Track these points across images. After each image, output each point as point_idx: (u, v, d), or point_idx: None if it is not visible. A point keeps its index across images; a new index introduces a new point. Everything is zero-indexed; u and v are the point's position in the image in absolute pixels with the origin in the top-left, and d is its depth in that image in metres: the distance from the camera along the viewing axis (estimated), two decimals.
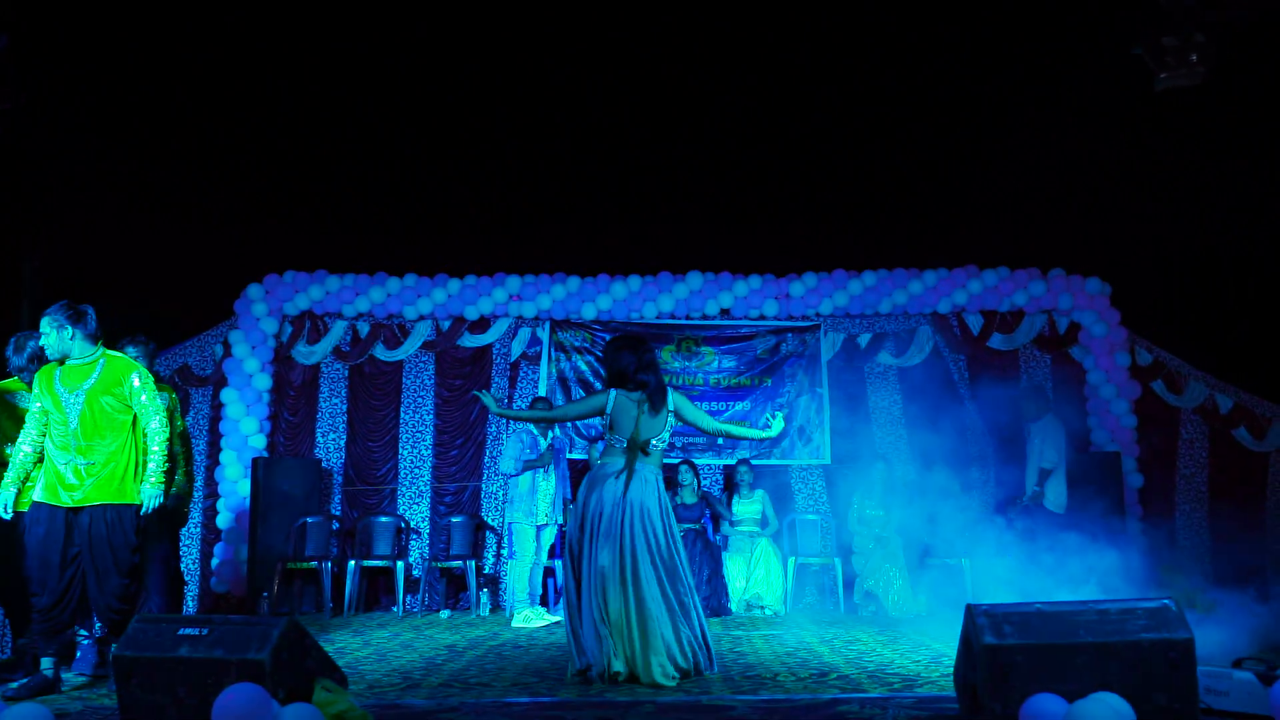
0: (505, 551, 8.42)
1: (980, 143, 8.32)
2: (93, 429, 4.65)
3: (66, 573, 4.56)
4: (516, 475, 7.53)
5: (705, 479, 9.08)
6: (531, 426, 7.60)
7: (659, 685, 4.42)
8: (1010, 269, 9.12)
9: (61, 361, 4.73)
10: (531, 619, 7.42)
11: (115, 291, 4.81)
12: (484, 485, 9.13)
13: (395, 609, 8.50)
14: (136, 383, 4.73)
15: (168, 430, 4.84)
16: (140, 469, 4.76)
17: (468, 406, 9.23)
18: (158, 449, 4.74)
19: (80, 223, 8.07)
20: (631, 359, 4.76)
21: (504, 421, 8.92)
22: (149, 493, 4.71)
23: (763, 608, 8.04)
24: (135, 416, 4.79)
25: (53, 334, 4.66)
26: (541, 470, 7.56)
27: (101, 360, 4.74)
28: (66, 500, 4.64)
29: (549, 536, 7.71)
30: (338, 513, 9.04)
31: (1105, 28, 6.56)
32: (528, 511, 7.56)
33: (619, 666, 4.51)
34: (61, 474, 4.63)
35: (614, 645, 4.49)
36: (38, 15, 6.36)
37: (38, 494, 4.69)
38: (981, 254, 9.11)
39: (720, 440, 9.05)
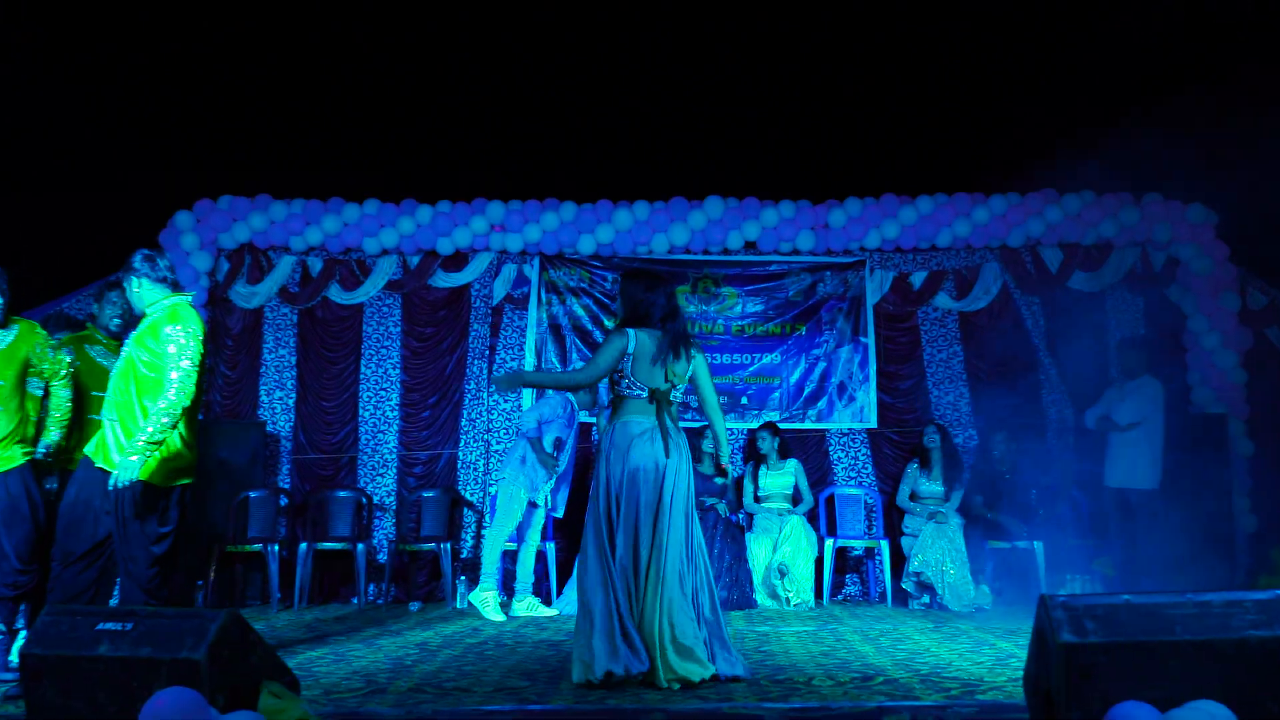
0: (487, 520, 8.59)
1: (1057, 43, 8.26)
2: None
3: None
4: (538, 438, 7.60)
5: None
6: (569, 395, 7.74)
7: (690, 683, 4.53)
8: (1096, 194, 9.02)
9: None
10: (531, 609, 7.60)
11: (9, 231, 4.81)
12: (461, 453, 9.13)
13: (356, 600, 8.53)
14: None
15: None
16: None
17: (441, 359, 9.25)
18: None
19: None
20: (659, 294, 4.91)
21: (486, 378, 9.09)
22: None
23: (787, 599, 8.02)
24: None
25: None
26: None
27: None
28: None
29: (540, 518, 7.85)
30: (286, 485, 9.04)
31: None
32: (529, 479, 7.62)
33: (650, 667, 4.60)
34: None
35: (645, 640, 4.62)
36: None
37: None
38: (1061, 176, 8.99)
39: (744, 400, 9.15)
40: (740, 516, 8.56)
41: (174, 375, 4.78)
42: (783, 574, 8.06)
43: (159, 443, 4.76)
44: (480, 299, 9.29)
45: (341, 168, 9.24)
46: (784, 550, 8.14)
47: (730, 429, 9.10)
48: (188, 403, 4.81)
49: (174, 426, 4.81)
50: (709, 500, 8.22)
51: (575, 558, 7.67)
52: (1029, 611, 4.93)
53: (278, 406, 9.22)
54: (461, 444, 9.14)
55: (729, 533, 8.17)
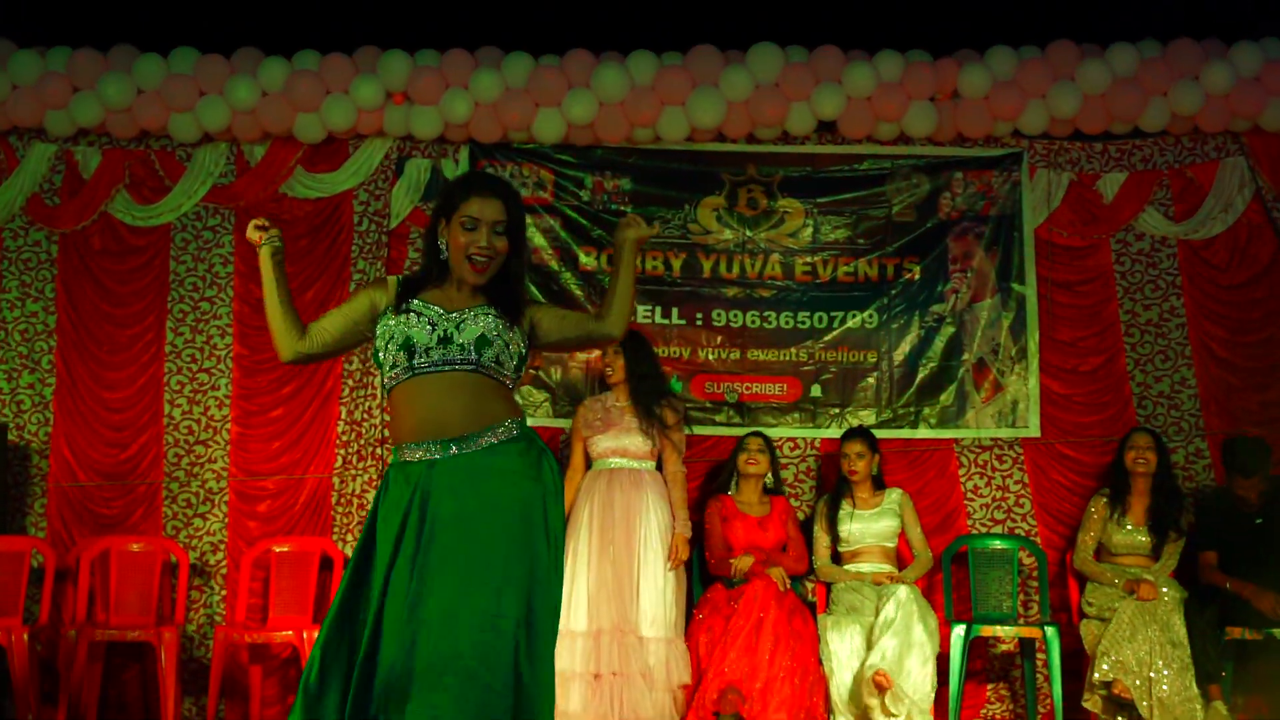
0: None
1: None
2: None
3: None
4: None
5: (786, 467, 8.97)
6: None
7: None
8: None
9: None
10: None
11: None
12: (337, 479, 9.05)
13: None
14: None
15: None
16: None
17: (304, 314, 8.70)
18: None
19: None
20: None
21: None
22: None
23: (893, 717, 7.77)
24: None
25: None
26: None
27: None
28: None
29: None
30: (42, 533, 8.94)
31: None
32: None
33: None
34: None
35: None
36: None
37: None
38: None
39: (815, 390, 9.03)
40: (808, 585, 8.55)
41: None
42: (882, 688, 7.71)
43: None
44: (369, 217, 9.18)
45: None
46: (885, 646, 7.76)
47: (792, 438, 9.05)
48: None
49: None
50: (744, 569, 8.01)
51: None
52: None
53: (26, 400, 9.09)
54: (339, 463, 9.01)
55: (792, 619, 7.93)
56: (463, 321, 4.59)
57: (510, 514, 4.47)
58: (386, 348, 4.54)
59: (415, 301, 4.64)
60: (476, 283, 4.59)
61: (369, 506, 8.37)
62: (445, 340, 4.52)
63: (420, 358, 4.47)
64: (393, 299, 4.68)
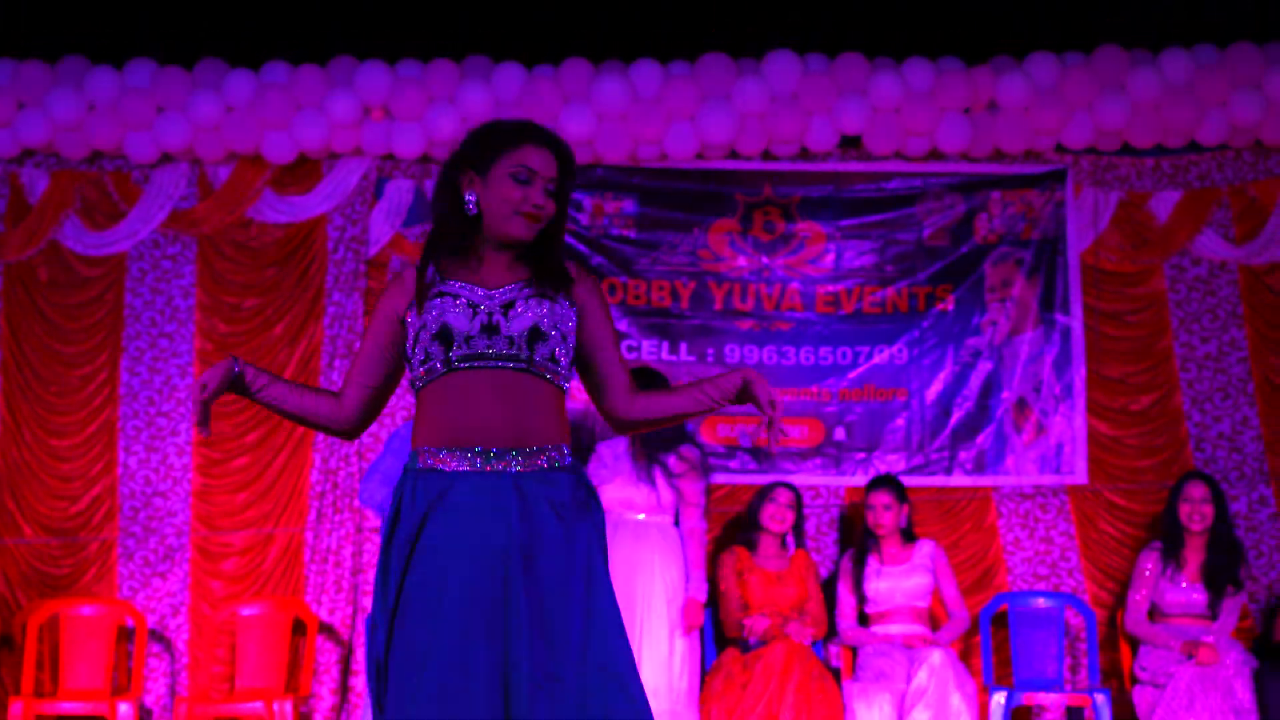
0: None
1: None
2: None
3: None
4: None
5: (808, 518, 8.80)
6: None
7: None
8: None
9: None
10: None
11: None
12: (311, 534, 9.00)
13: None
14: None
15: None
16: None
17: (273, 354, 9.10)
18: None
19: None
20: None
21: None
22: None
23: None
24: None
25: None
26: None
27: None
28: None
29: None
30: None
31: None
32: None
33: None
34: None
35: None
36: None
37: None
38: None
39: (839, 433, 8.92)
40: (833, 652, 8.49)
41: None
42: None
43: None
44: (345, 244, 9.09)
45: (84, 9, 9.21)
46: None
47: (813, 486, 8.93)
48: None
49: None
50: (760, 632, 7.90)
51: None
52: None
53: None
54: (312, 516, 8.94)
55: (815, 682, 7.78)
56: (510, 305, 4.01)
57: (575, 559, 3.99)
58: (418, 339, 3.91)
59: (449, 283, 4.03)
60: (523, 238, 4.01)
61: (337, 568, 9.00)
62: (490, 329, 3.93)
63: (459, 349, 3.86)
64: (418, 289, 4.05)
